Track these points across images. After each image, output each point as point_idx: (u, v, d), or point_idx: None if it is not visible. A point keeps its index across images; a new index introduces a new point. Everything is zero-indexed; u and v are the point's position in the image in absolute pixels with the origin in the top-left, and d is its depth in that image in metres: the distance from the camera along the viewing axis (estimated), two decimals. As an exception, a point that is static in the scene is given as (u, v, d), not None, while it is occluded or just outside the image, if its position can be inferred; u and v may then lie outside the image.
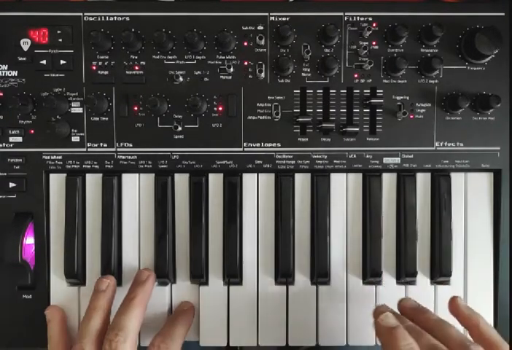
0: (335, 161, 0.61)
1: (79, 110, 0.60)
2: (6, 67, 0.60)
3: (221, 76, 0.60)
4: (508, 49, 0.60)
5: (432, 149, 0.61)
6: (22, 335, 0.60)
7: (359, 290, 0.61)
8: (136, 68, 0.60)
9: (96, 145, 0.60)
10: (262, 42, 0.59)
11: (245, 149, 0.61)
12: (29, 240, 0.60)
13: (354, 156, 0.61)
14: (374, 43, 0.60)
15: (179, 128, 0.59)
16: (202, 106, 0.59)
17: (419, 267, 0.60)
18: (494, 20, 0.60)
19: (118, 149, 0.60)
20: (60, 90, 0.60)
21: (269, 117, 0.60)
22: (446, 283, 0.61)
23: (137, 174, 0.61)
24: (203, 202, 0.61)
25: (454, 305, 0.53)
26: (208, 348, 0.63)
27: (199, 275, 0.60)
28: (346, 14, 0.60)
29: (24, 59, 0.59)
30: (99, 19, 0.60)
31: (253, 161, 0.61)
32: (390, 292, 0.61)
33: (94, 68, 0.60)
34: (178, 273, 0.61)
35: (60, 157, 0.60)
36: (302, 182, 0.61)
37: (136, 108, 0.60)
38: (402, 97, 0.60)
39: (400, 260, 0.61)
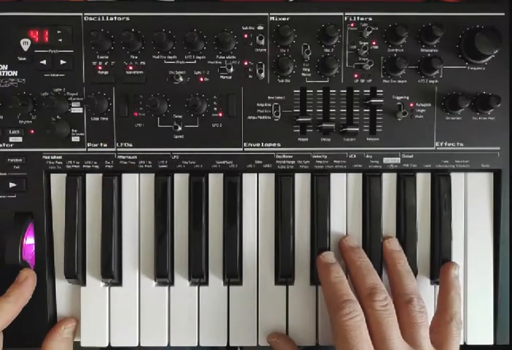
0: (335, 161, 0.61)
1: (79, 110, 0.60)
2: (6, 67, 0.60)
3: (221, 76, 0.60)
4: (508, 49, 0.60)
5: (432, 149, 0.61)
6: (22, 335, 0.60)
7: (359, 290, 0.61)
8: (136, 68, 0.60)
9: (96, 145, 0.60)
10: (262, 42, 0.59)
11: (245, 149, 0.61)
12: (29, 240, 0.60)
13: (354, 156, 0.61)
14: (374, 43, 0.60)
15: (179, 128, 0.59)
16: (202, 106, 0.59)
17: (419, 267, 0.60)
18: (494, 20, 0.60)
19: (118, 149, 0.60)
20: (60, 90, 0.60)
21: (269, 117, 0.60)
22: (446, 283, 0.61)
23: (137, 174, 0.61)
24: (203, 202, 0.60)
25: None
26: (208, 348, 0.63)
27: (199, 275, 0.60)
28: (346, 14, 0.60)
29: (24, 59, 0.59)
30: (99, 19, 0.60)
31: (253, 161, 0.61)
32: (390, 291, 0.61)
33: (94, 68, 0.60)
34: (178, 273, 0.61)
35: (60, 157, 0.60)
36: (302, 182, 0.61)
37: (135, 108, 0.60)
38: (402, 97, 0.60)
39: (400, 260, 0.61)
